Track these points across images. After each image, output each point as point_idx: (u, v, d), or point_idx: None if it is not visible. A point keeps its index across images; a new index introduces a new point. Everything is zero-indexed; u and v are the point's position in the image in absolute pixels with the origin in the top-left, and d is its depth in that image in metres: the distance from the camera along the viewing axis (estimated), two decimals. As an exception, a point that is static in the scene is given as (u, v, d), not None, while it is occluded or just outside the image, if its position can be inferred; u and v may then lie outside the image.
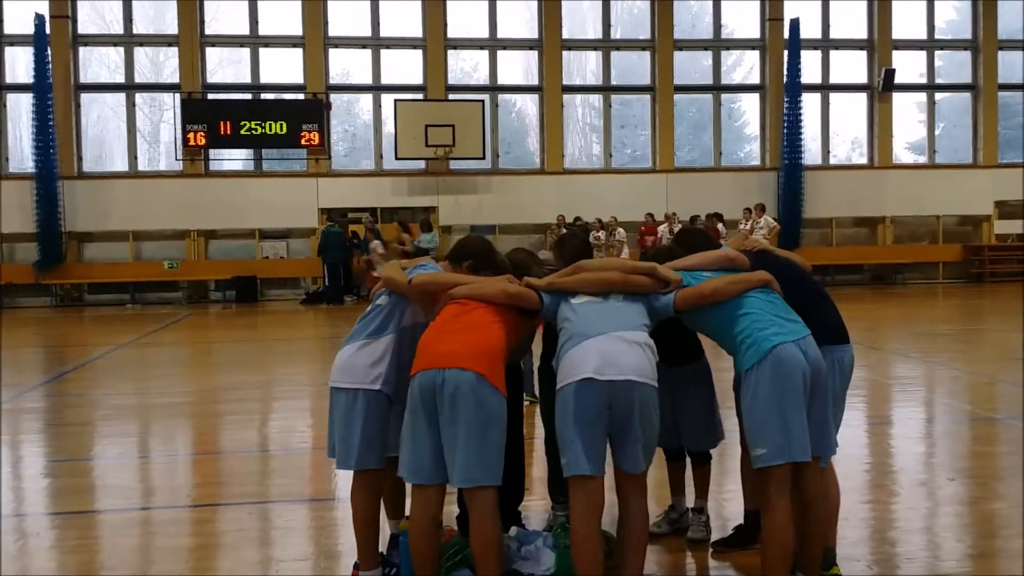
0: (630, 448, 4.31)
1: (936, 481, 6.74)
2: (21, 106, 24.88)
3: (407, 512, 4.96)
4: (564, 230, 22.69)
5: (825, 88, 27.18)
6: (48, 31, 23.71)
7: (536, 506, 5.62)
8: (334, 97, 25.82)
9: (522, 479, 5.26)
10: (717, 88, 27.19)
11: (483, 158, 25.22)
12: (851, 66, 27.29)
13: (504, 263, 5.04)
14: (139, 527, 6.08)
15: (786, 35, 26.11)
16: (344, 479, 4.92)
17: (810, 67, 26.58)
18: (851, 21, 27.11)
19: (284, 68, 25.45)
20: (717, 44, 27.02)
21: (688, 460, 5.54)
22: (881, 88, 26.69)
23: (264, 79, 25.53)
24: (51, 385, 11.75)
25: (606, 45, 26.62)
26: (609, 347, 4.23)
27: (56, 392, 11.33)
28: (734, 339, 4.43)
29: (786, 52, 26.11)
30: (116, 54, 25.34)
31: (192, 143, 24.29)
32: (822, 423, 4.45)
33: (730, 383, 4.67)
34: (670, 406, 5.07)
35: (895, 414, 9.50)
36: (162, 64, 26.15)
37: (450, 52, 25.96)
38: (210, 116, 24.35)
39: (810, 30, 26.50)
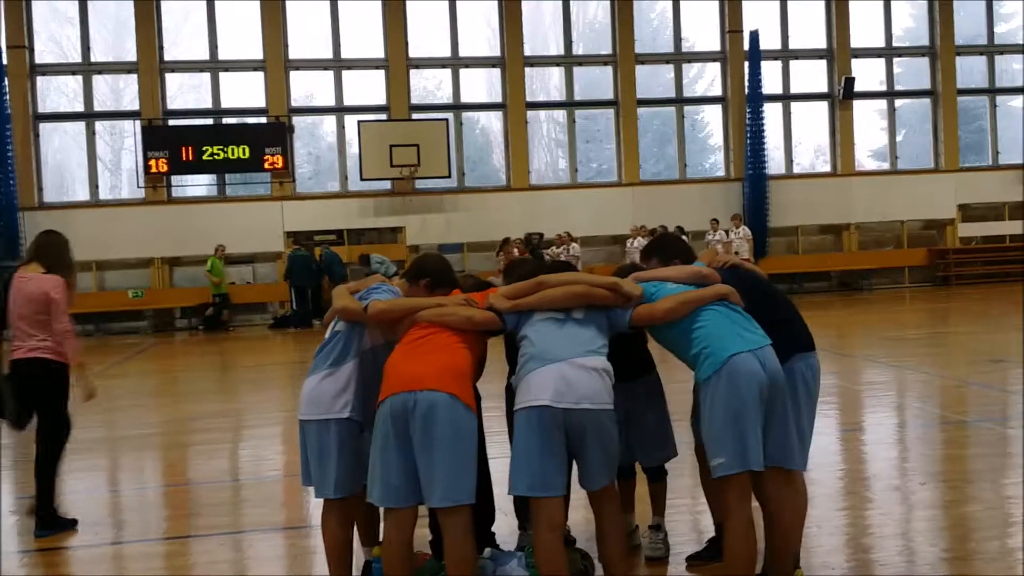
0: (589, 468, 4.40)
1: (909, 486, 6.76)
2: (-20, 138, 24.64)
3: (380, 538, 4.93)
4: (516, 252, 22.61)
5: (786, 98, 27.34)
6: (5, 61, 23.47)
7: (509, 526, 5.57)
8: (297, 120, 25.72)
9: (491, 500, 5.24)
10: (680, 101, 27.28)
11: (449, 176, 25.17)
12: (811, 75, 27.46)
13: (458, 280, 5.07)
14: (110, 562, 6.00)
15: (746, 47, 26.25)
16: (317, 506, 4.86)
17: (771, 77, 26.74)
18: (810, 31, 27.30)
19: (245, 92, 25.30)
20: (678, 57, 27.13)
21: (646, 477, 5.51)
22: (842, 96, 26.87)
23: (225, 103, 25.38)
24: (17, 419, 11.57)
25: (568, 61, 26.69)
26: (567, 374, 4.29)
27: (22, 426, 11.15)
28: (692, 351, 4.47)
29: (747, 63, 26.26)
30: (75, 82, 25.13)
31: (154, 170, 24.07)
32: (783, 433, 4.47)
33: (683, 398, 4.69)
34: (623, 422, 5.10)
35: (866, 420, 9.54)
36: (122, 91, 25.95)
37: (412, 71, 25.91)
38: (172, 142, 24.15)
39: (770, 41, 26.67)
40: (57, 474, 6.56)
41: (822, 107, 27.56)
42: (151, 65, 24.52)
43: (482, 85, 26.97)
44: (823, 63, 27.46)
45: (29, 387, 6.44)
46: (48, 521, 6.43)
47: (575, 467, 4.47)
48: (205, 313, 23.46)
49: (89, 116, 25.02)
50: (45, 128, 25.04)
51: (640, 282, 4.73)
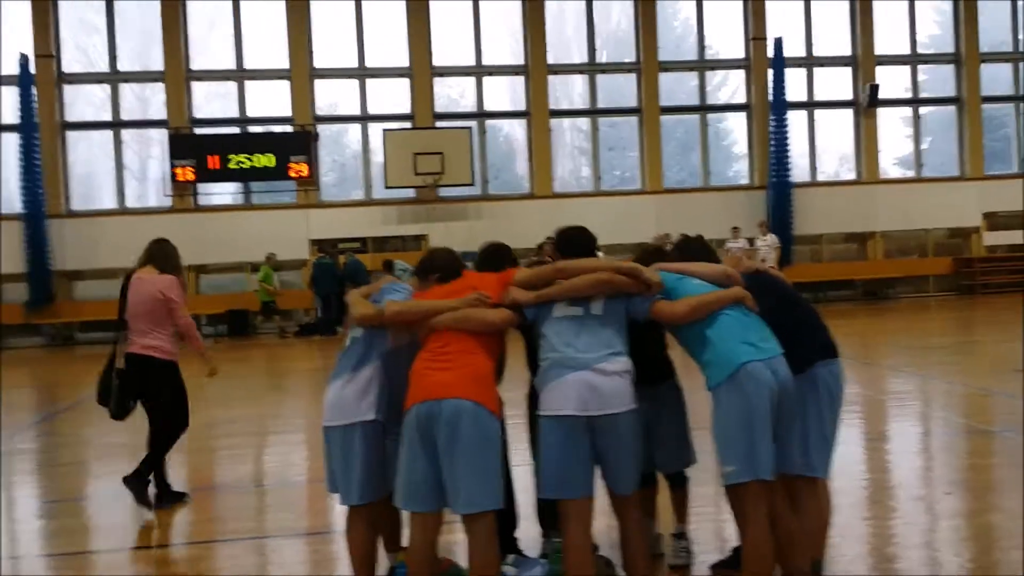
0: (616, 470, 4.45)
1: (933, 495, 6.74)
2: (8, 146, 24.63)
3: (403, 543, 4.95)
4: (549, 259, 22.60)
5: (811, 105, 27.26)
6: (33, 70, 23.72)
7: (532, 533, 5.58)
8: (322, 128, 25.84)
9: (514, 506, 5.24)
10: (703, 108, 27.27)
11: (472, 184, 25.23)
12: (836, 83, 27.37)
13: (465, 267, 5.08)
14: (135, 566, 6.04)
15: (770, 54, 26.20)
16: (341, 512, 4.89)
17: (795, 85, 26.67)
18: (834, 38, 27.22)
19: (271, 101, 25.47)
20: (702, 65, 27.12)
21: (668, 484, 5.51)
22: (866, 104, 26.77)
23: (251, 112, 25.55)
24: (43, 425, 11.69)
25: (592, 68, 26.71)
26: (591, 381, 4.32)
27: (48, 432, 11.27)
28: (705, 355, 4.49)
29: (771, 71, 26.20)
30: (102, 91, 25.34)
31: (181, 178, 24.22)
32: (787, 442, 4.49)
33: (701, 404, 4.70)
34: (643, 427, 5.09)
35: (891, 429, 9.50)
36: (148, 100, 26.13)
37: (436, 80, 26.01)
38: (198, 151, 24.29)
39: (794, 48, 26.61)
40: (164, 457, 7.33)
41: (846, 114, 27.46)
42: (177, 74, 24.72)
43: (506, 93, 27.03)
44: (847, 70, 27.37)
45: (140, 381, 7.19)
46: (166, 495, 7.28)
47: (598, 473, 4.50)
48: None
49: (116, 125, 25.23)
50: (72, 137, 25.25)
51: (663, 272, 4.72)
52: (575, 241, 4.94)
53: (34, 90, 23.71)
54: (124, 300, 7.30)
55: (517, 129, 27.25)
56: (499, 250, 5.38)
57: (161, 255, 7.41)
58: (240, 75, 25.33)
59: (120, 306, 7.31)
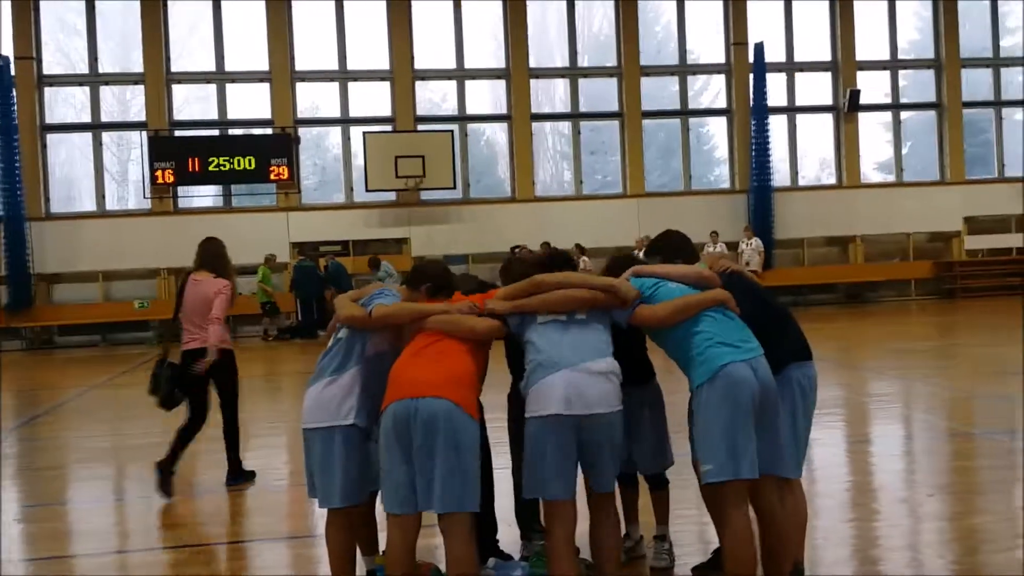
0: (600, 470, 4.48)
1: (916, 498, 6.74)
2: (-13, 148, 24.60)
3: (381, 547, 4.93)
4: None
5: (791, 110, 27.34)
6: (13, 72, 23.55)
7: (512, 536, 5.55)
8: (303, 131, 25.77)
9: (494, 510, 5.23)
10: (685, 113, 27.31)
11: (454, 188, 25.20)
12: (816, 88, 27.47)
13: (458, 284, 5.09)
14: (116, 571, 5.99)
15: (751, 59, 26.27)
16: (321, 516, 4.86)
17: (776, 90, 26.74)
18: (815, 43, 27.31)
19: (251, 103, 25.36)
20: (683, 69, 27.16)
21: (648, 486, 5.50)
22: (847, 109, 26.87)
23: (231, 115, 25.43)
24: (23, 429, 11.59)
25: (573, 72, 26.73)
26: (576, 381, 4.33)
27: (28, 436, 11.17)
28: (686, 356, 4.49)
29: (752, 75, 26.27)
30: (82, 93, 25.20)
31: (160, 181, 24.08)
32: (773, 442, 4.48)
33: (682, 408, 4.69)
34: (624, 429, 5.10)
35: (874, 432, 9.52)
36: (129, 102, 26.01)
37: (418, 83, 25.97)
38: (178, 153, 24.17)
39: (775, 53, 26.68)
40: (237, 436, 8.01)
41: (827, 119, 27.56)
42: (158, 76, 24.60)
43: (487, 97, 27.00)
44: (828, 75, 27.47)
45: (200, 374, 7.60)
46: (236, 472, 7.87)
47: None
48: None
49: (96, 127, 25.09)
50: (52, 139, 25.10)
51: (640, 276, 4.75)
52: (558, 262, 4.99)
53: (14, 92, 23.51)
54: (180, 300, 7.70)
55: (499, 132, 27.22)
56: (487, 284, 5.43)
57: (209, 257, 7.84)
58: (220, 77, 25.22)
59: (176, 305, 7.73)
